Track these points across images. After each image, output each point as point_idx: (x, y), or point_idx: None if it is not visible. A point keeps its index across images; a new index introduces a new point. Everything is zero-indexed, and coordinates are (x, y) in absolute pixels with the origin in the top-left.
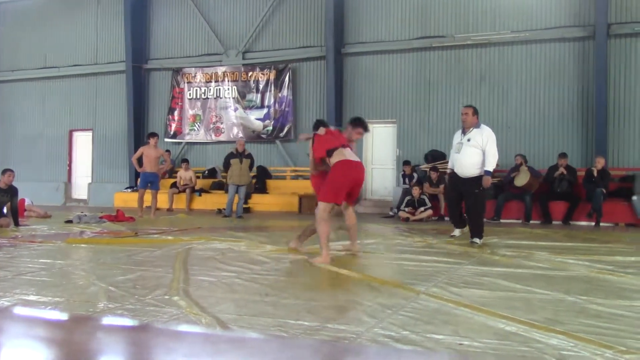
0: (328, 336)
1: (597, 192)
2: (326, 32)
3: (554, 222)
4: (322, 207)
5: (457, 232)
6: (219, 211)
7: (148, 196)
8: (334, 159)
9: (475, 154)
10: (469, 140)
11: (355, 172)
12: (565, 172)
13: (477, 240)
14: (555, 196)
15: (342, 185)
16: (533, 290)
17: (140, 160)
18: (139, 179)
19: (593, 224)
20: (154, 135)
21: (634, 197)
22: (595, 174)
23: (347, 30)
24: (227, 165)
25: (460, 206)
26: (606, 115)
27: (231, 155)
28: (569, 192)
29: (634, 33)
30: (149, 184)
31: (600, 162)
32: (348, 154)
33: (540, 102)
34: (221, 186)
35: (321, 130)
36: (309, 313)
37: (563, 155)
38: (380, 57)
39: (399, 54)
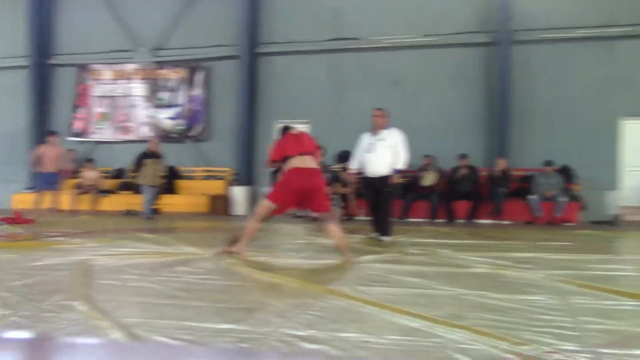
0: (235, 338)
1: (498, 192)
2: (240, 32)
3: (458, 221)
4: (262, 204)
5: (374, 235)
6: (127, 213)
7: (47, 198)
8: (286, 165)
9: (388, 153)
10: (381, 140)
11: (302, 180)
12: (467, 172)
13: (385, 237)
14: (460, 196)
15: (287, 191)
16: (437, 286)
17: (41, 160)
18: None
19: (494, 222)
20: (53, 133)
21: (532, 197)
22: (497, 174)
23: (262, 30)
24: (139, 164)
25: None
26: (508, 119)
27: (145, 155)
28: (472, 191)
29: (536, 40)
30: (49, 185)
31: (501, 164)
32: (298, 161)
33: (448, 105)
34: (130, 187)
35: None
36: (217, 315)
37: (463, 156)
38: (294, 57)
39: (313, 54)
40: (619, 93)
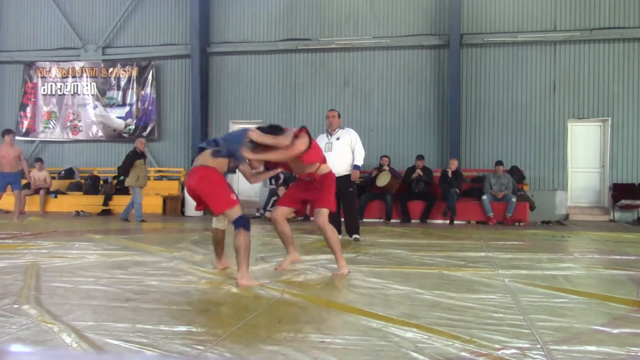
0: (191, 340)
1: (451, 192)
2: (191, 31)
3: (412, 221)
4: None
5: None
6: (77, 214)
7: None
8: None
9: (347, 152)
10: (338, 139)
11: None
12: (422, 173)
13: (357, 236)
14: (414, 196)
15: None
16: (391, 286)
17: None
18: None
19: (448, 222)
20: (9, 132)
21: (484, 197)
22: (449, 174)
23: (213, 29)
24: (130, 166)
25: (339, 210)
26: (459, 120)
27: (135, 156)
28: (426, 192)
29: (484, 43)
30: (9, 185)
31: (454, 164)
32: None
33: (400, 106)
34: (80, 187)
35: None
36: (171, 317)
37: (420, 157)
38: (246, 57)
39: (265, 55)
40: (565, 96)
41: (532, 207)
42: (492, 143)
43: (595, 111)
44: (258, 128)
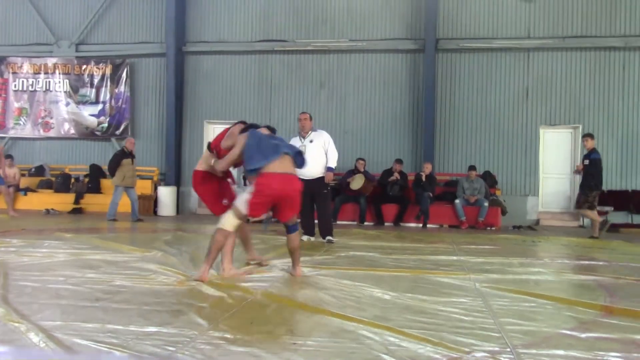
0: (162, 341)
1: (424, 196)
2: (166, 29)
3: (386, 224)
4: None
5: (305, 238)
6: (47, 212)
7: None
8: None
9: (321, 154)
10: (311, 141)
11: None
12: (399, 177)
13: (331, 238)
14: (388, 199)
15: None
16: (364, 289)
17: None
18: None
19: (421, 225)
20: None
21: (457, 201)
22: (423, 178)
23: (189, 28)
24: (117, 165)
25: (313, 212)
26: (433, 124)
27: (123, 155)
28: (400, 195)
29: (459, 49)
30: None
31: (427, 168)
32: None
33: (376, 109)
34: (50, 185)
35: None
36: (142, 318)
37: (399, 161)
38: (222, 57)
39: (241, 55)
40: (536, 102)
41: (503, 212)
42: (466, 148)
43: (567, 118)
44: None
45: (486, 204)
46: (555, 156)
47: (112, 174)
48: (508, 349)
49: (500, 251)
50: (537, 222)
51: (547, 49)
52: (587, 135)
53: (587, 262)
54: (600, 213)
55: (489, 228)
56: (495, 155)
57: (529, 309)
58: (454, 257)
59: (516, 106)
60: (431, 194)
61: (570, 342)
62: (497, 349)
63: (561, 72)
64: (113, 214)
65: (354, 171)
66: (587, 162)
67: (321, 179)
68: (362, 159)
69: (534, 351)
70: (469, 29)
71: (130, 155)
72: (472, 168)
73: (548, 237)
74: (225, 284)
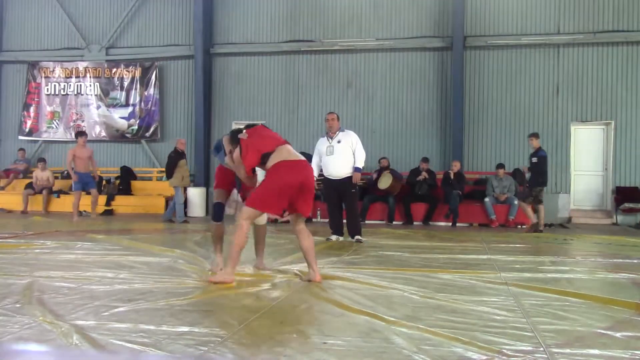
0: (193, 341)
1: (453, 194)
2: (194, 31)
3: (415, 223)
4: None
5: (334, 237)
6: (80, 214)
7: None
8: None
9: (348, 154)
10: (339, 142)
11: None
12: (427, 176)
13: (360, 237)
14: (416, 198)
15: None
16: (393, 288)
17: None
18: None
19: (450, 224)
20: (82, 134)
21: (486, 199)
22: (451, 176)
23: (216, 30)
24: (174, 167)
25: (342, 212)
26: (462, 122)
27: (178, 156)
28: (429, 194)
29: (487, 46)
30: (85, 185)
31: (456, 166)
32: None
33: (403, 108)
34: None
35: (243, 134)
36: (174, 318)
37: (425, 159)
38: (249, 58)
39: (268, 56)
40: (567, 99)
41: (535, 210)
42: (495, 145)
43: (599, 114)
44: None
45: (516, 202)
46: (587, 153)
47: (170, 176)
48: (541, 349)
49: (531, 250)
50: (569, 220)
51: (577, 44)
52: (533, 135)
53: (621, 261)
54: (633, 210)
55: (519, 226)
56: (525, 153)
57: (561, 308)
58: (485, 256)
59: (546, 103)
60: (460, 193)
61: (605, 341)
62: (530, 348)
63: (592, 67)
64: (182, 215)
65: (381, 170)
66: (534, 159)
67: (349, 179)
68: (385, 158)
69: (568, 351)
70: (497, 26)
71: (183, 155)
72: (500, 166)
73: (580, 235)
74: (254, 284)
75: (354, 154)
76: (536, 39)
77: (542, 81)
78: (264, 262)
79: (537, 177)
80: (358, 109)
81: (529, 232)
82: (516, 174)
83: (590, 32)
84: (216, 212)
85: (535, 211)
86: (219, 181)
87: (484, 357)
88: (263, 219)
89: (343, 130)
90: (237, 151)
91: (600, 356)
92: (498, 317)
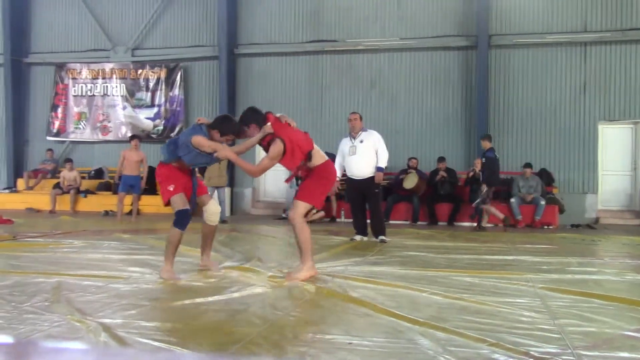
0: (218, 339)
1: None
2: (219, 32)
3: (439, 223)
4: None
5: (358, 237)
6: (106, 213)
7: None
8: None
9: (371, 154)
10: (362, 141)
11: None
12: (445, 175)
13: (384, 237)
14: (440, 198)
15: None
16: (418, 289)
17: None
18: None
19: (475, 224)
20: (135, 137)
21: (512, 199)
22: (477, 170)
23: (240, 31)
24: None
25: (365, 212)
26: (487, 122)
27: None
28: (452, 193)
29: (512, 44)
30: (130, 188)
31: (478, 163)
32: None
33: (427, 108)
34: (109, 187)
35: (269, 128)
36: (199, 316)
37: (441, 159)
38: (273, 59)
39: (292, 56)
40: (594, 97)
41: (561, 210)
42: (521, 145)
43: (627, 113)
44: (209, 125)
45: (543, 202)
46: (615, 152)
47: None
48: (568, 351)
49: (558, 250)
50: (597, 220)
51: (605, 42)
52: (485, 137)
53: None
54: None
55: (545, 227)
56: (551, 153)
57: (589, 310)
58: (510, 257)
59: (573, 102)
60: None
61: (634, 343)
62: (557, 350)
63: (620, 66)
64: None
65: (407, 170)
66: (483, 160)
67: (371, 178)
68: (415, 158)
69: (595, 353)
70: (522, 24)
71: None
72: (527, 166)
73: (608, 235)
74: (280, 284)
75: (376, 154)
76: (563, 37)
77: (568, 80)
78: (211, 261)
79: (488, 176)
80: (382, 109)
81: (505, 229)
82: (543, 174)
83: (619, 30)
84: (186, 221)
85: (484, 211)
86: (177, 184)
87: (511, 359)
88: (216, 219)
89: (366, 130)
90: (252, 132)
91: (628, 359)
92: (524, 319)
